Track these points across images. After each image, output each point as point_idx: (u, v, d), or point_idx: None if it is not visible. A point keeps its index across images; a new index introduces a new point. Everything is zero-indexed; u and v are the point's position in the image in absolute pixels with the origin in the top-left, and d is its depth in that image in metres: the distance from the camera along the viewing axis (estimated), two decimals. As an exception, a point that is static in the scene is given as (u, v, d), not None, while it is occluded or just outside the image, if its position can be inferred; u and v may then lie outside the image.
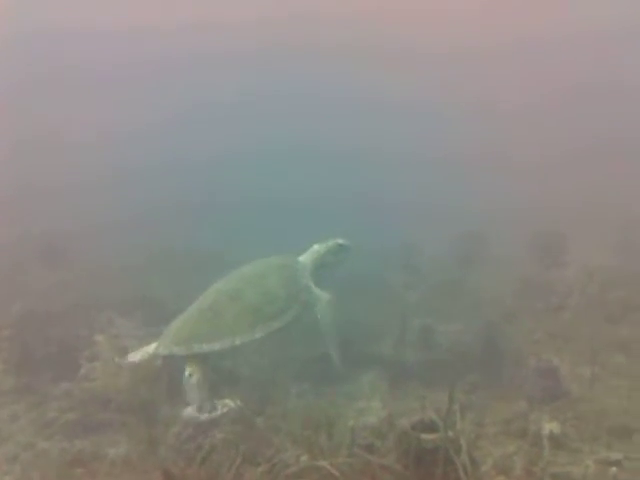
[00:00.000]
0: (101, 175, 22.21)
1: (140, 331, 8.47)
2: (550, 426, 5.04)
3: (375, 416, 6.19)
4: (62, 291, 11.00)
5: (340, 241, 6.85)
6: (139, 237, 15.04)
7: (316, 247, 6.84)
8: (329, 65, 35.60)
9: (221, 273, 6.83)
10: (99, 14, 35.15)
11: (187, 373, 5.66)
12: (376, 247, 12.72)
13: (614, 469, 4.40)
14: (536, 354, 7.52)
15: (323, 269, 6.77)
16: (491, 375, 7.07)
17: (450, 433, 3.97)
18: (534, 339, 8.23)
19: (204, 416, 5.45)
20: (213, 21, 35.89)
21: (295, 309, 6.23)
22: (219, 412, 5.55)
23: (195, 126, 31.38)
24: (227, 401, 5.71)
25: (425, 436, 4.01)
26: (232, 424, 5.36)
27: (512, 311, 9.06)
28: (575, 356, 7.43)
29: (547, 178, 20.24)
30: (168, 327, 6.14)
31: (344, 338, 7.97)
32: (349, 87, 34.13)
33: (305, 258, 6.76)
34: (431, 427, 4.27)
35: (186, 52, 35.83)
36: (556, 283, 9.98)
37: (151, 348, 6.07)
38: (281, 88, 34.98)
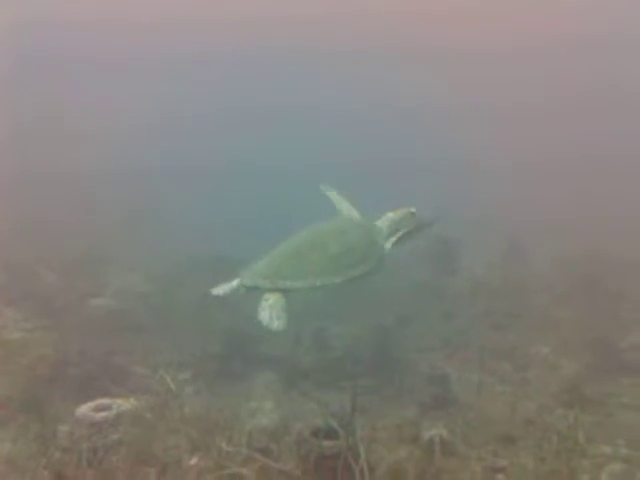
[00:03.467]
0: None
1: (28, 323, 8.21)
2: (440, 432, 5.21)
3: (267, 417, 6.23)
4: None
5: (412, 209, 7.03)
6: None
7: (390, 214, 7.05)
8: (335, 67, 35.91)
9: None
10: (101, 6, 34.43)
11: (265, 298, 6.01)
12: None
13: (500, 476, 4.63)
14: (427, 360, 7.82)
15: (394, 234, 6.88)
16: (383, 379, 7.25)
17: (350, 440, 4.05)
18: (426, 345, 8.47)
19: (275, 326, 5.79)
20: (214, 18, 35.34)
21: (372, 262, 6.49)
22: (114, 412, 5.44)
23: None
24: (121, 401, 5.59)
25: (327, 443, 4.08)
26: (127, 424, 5.26)
27: (407, 316, 9.29)
28: (464, 363, 7.74)
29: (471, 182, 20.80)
30: (250, 265, 6.40)
31: (240, 336, 8.02)
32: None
33: (381, 223, 7.00)
34: (330, 433, 4.35)
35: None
36: (449, 289, 10.32)
37: (234, 283, 6.31)
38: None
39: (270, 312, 5.92)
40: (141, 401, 5.61)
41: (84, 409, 5.50)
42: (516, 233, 13.19)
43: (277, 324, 5.85)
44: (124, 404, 5.55)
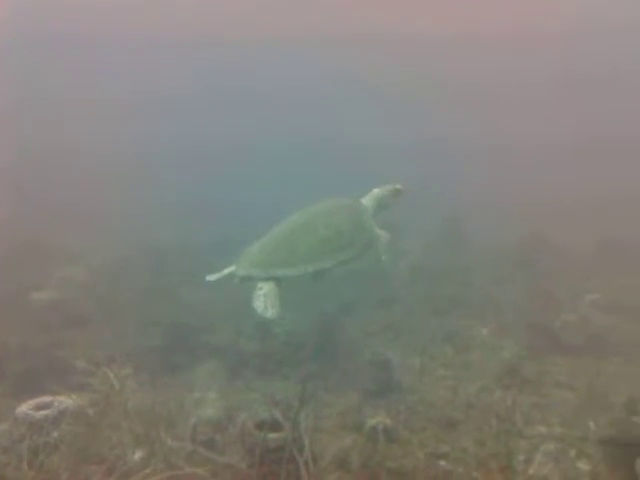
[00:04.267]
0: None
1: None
2: (383, 420, 5.29)
3: (212, 408, 6.22)
4: None
5: (398, 186, 7.15)
6: None
7: (376, 191, 7.15)
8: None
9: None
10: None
11: (259, 287, 6.10)
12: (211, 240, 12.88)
13: (442, 462, 4.73)
14: (370, 346, 7.90)
15: (380, 210, 7.12)
16: (327, 366, 7.30)
17: (294, 432, 4.08)
18: (369, 330, 8.56)
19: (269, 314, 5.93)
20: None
21: (361, 243, 6.62)
22: (55, 410, 5.32)
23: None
24: (63, 398, 5.47)
25: (272, 436, 4.09)
26: (69, 422, 5.16)
27: (350, 302, 9.37)
28: (406, 348, 7.86)
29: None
30: (243, 253, 6.48)
31: (181, 327, 7.98)
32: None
33: (367, 200, 7.09)
34: (275, 425, 4.37)
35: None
36: (392, 276, 10.43)
37: (227, 270, 6.43)
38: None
39: (265, 301, 6.03)
40: (83, 397, 5.52)
41: (24, 408, 5.36)
42: (456, 217, 13.40)
43: (271, 312, 5.97)
44: (65, 401, 5.43)
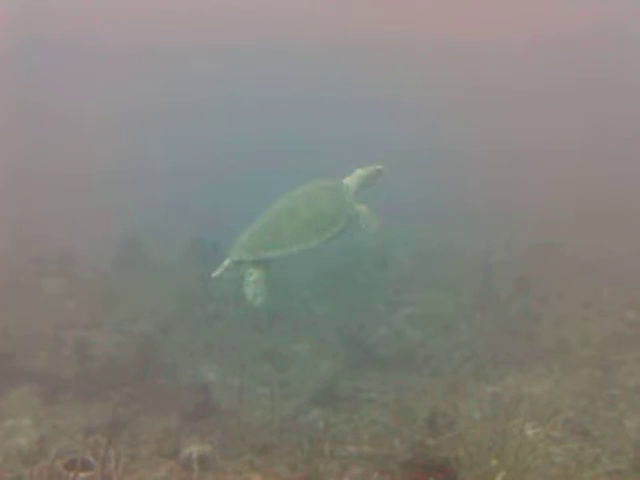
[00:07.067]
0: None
1: None
2: (198, 448, 5.27)
3: (24, 436, 5.93)
4: None
5: (379, 166, 7.44)
6: None
7: (359, 171, 7.43)
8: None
9: None
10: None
11: (249, 273, 6.52)
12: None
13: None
14: (191, 367, 7.85)
15: (362, 189, 7.42)
16: (146, 388, 7.18)
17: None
18: (190, 350, 8.49)
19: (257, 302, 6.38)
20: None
21: (342, 222, 6.96)
22: None
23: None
24: None
25: (81, 475, 3.97)
26: None
27: (170, 321, 9.25)
28: (227, 366, 7.89)
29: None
30: (236, 241, 6.77)
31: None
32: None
33: (349, 180, 7.38)
34: (85, 464, 4.25)
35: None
36: (215, 292, 10.43)
37: (226, 262, 6.72)
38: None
39: (254, 288, 6.46)
40: None
41: None
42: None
43: (259, 300, 6.41)
44: None
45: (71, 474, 4.13)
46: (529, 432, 5.49)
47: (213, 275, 6.84)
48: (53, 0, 31.17)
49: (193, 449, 5.24)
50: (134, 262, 11.78)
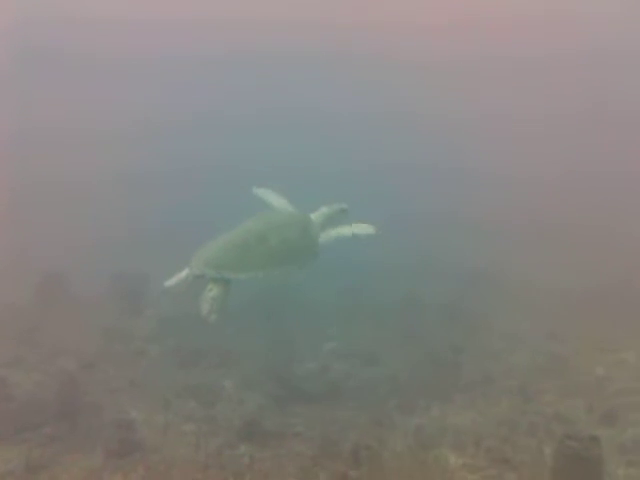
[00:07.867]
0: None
1: None
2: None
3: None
4: None
5: (344, 206, 7.63)
6: None
7: (324, 209, 7.65)
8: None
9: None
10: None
11: (208, 289, 6.46)
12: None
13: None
14: (114, 404, 7.70)
15: (327, 226, 7.57)
16: (68, 427, 7.01)
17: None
18: (113, 387, 8.32)
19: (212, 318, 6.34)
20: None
21: (307, 256, 7.20)
22: None
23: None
24: None
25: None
26: None
27: (92, 358, 9.06)
28: (152, 403, 7.78)
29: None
30: (197, 254, 6.73)
31: None
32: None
33: (316, 216, 7.59)
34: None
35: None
36: (138, 329, 10.30)
37: (183, 273, 6.72)
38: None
39: (211, 304, 6.40)
40: None
41: None
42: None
43: (214, 317, 6.38)
44: None
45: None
46: (451, 461, 5.67)
47: (167, 284, 6.83)
48: (52, 11, 30.94)
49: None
50: (56, 295, 11.38)
